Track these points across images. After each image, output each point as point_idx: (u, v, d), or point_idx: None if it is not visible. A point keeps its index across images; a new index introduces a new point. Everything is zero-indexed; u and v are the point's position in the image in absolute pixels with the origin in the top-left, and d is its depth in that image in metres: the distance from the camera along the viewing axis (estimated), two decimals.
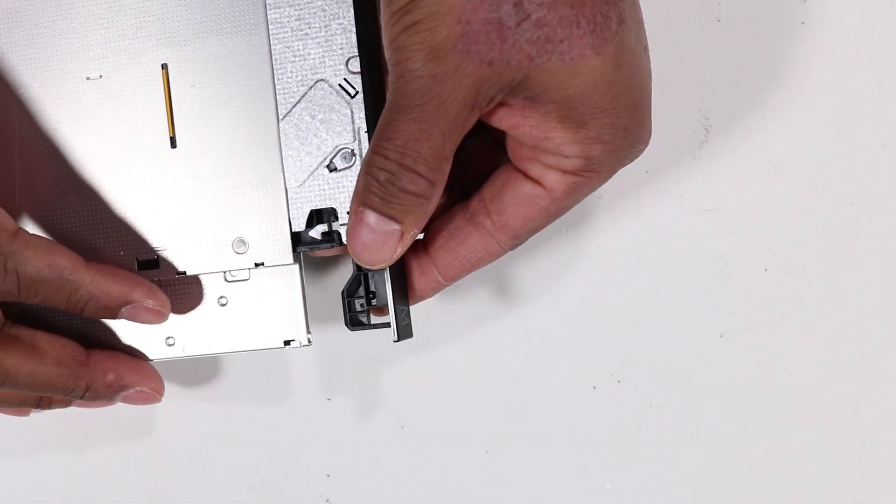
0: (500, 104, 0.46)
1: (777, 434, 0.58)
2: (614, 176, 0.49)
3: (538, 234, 0.50)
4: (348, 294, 0.51)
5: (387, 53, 0.46)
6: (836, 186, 0.57)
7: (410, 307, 0.51)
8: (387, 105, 0.46)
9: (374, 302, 0.51)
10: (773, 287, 0.58)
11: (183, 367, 0.57)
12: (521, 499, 0.58)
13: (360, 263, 0.48)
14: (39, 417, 0.56)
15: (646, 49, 0.47)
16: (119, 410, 0.57)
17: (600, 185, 0.48)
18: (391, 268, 0.50)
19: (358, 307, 0.51)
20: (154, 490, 0.58)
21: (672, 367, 0.58)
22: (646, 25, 0.48)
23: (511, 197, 0.49)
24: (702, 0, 0.57)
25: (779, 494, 0.58)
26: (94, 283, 0.49)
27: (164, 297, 0.50)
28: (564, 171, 0.47)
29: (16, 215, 0.51)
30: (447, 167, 0.47)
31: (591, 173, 0.47)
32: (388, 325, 0.50)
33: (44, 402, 0.53)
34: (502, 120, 0.47)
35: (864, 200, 0.57)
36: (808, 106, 0.57)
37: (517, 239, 0.50)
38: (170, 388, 0.57)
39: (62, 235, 0.51)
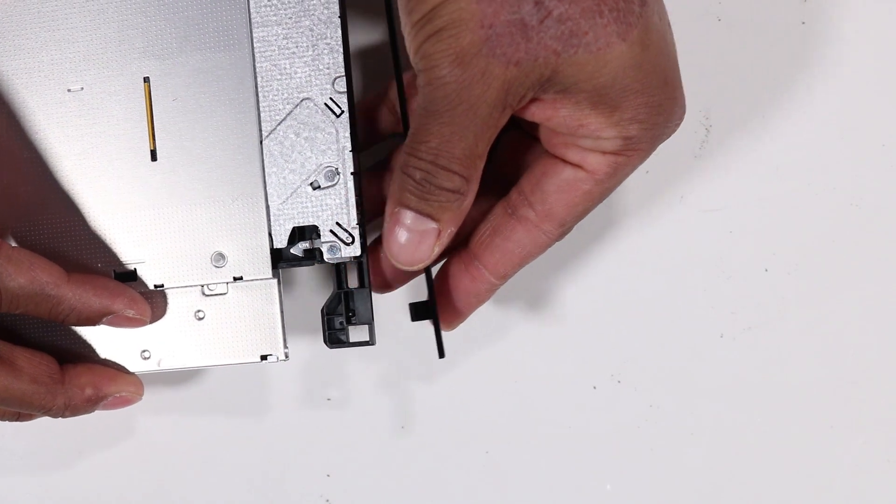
0: (532, 100, 0.46)
1: (777, 434, 0.58)
2: None
3: None
4: (328, 312, 0.51)
5: (413, 62, 0.46)
6: (837, 187, 0.57)
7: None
8: (417, 110, 0.46)
9: (353, 320, 0.50)
10: (773, 287, 0.57)
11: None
12: (521, 499, 0.58)
13: (396, 264, 0.48)
14: (38, 422, 0.56)
15: (669, 24, 0.47)
16: (118, 411, 0.57)
17: (641, 162, 0.48)
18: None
19: (337, 325, 0.51)
20: (154, 490, 0.58)
21: (672, 367, 0.58)
22: None
23: (552, 184, 0.48)
24: (702, 0, 0.57)
25: (779, 494, 0.58)
26: (75, 296, 0.49)
27: (145, 306, 0.50)
28: (605, 153, 0.47)
29: None
30: (481, 165, 0.47)
31: (632, 152, 0.47)
32: (366, 343, 0.50)
33: (24, 416, 0.52)
34: (535, 113, 0.47)
35: (865, 201, 0.57)
36: (808, 106, 0.57)
37: (563, 227, 0.49)
38: (169, 390, 0.57)
39: (40, 247, 0.50)
